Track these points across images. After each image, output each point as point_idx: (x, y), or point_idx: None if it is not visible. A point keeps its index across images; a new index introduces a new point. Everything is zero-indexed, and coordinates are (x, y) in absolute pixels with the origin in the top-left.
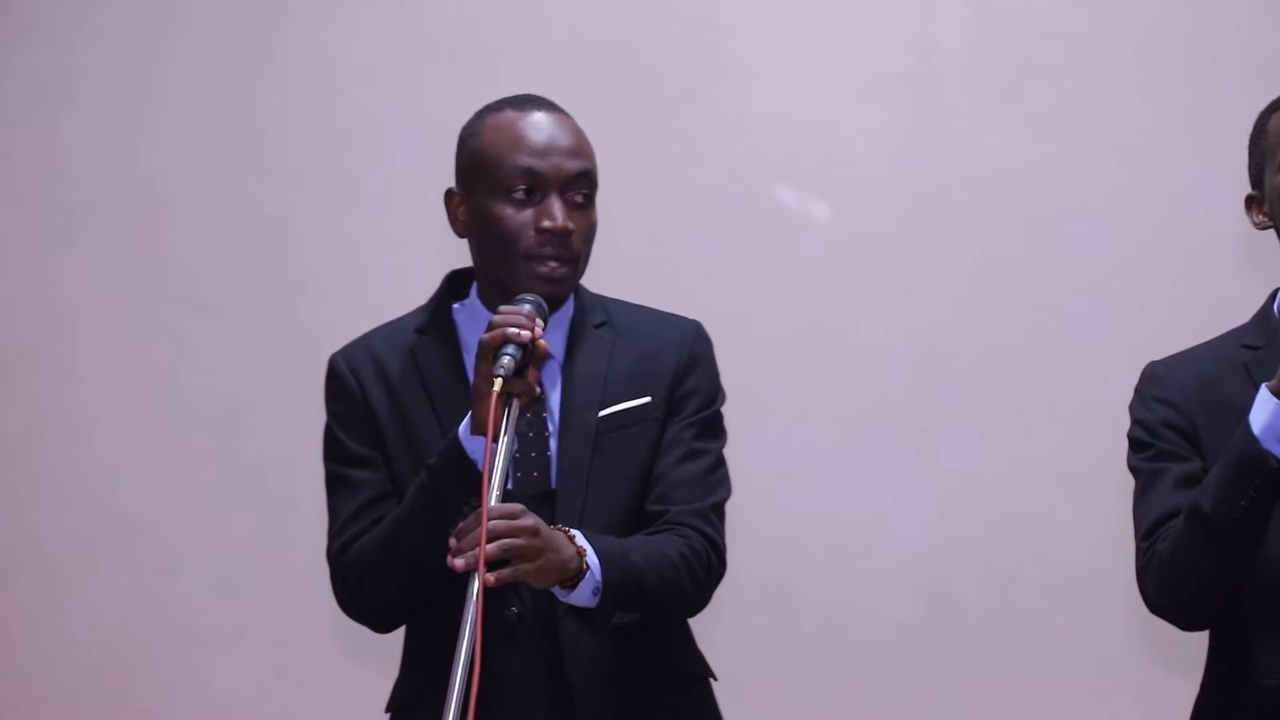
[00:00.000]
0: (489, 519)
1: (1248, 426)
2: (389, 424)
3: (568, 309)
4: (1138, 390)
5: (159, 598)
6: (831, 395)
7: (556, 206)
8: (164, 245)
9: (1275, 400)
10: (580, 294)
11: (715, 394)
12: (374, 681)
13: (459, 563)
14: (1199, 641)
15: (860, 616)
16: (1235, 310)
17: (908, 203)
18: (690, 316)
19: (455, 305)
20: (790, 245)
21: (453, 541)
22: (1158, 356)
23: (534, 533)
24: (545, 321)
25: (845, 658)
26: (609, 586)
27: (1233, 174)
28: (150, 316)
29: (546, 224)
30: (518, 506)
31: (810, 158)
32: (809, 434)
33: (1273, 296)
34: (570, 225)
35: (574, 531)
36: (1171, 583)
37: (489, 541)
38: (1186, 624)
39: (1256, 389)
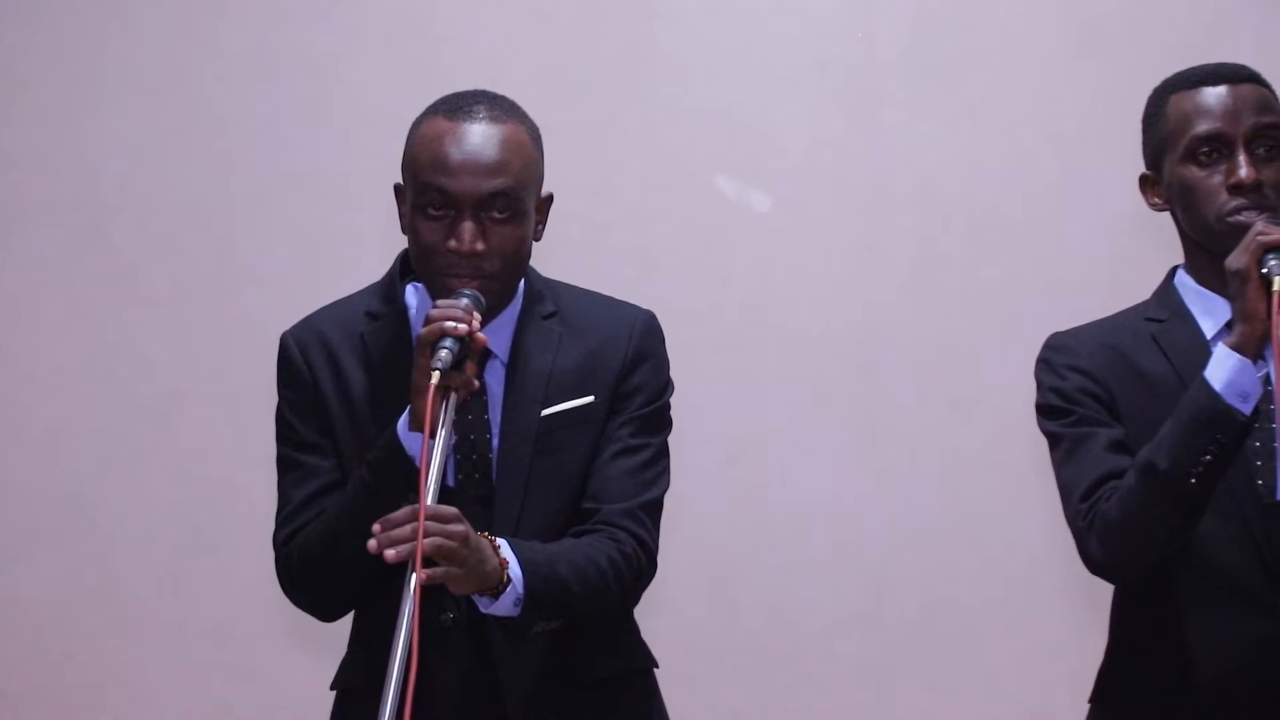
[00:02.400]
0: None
1: (1205, 383)
2: (339, 414)
3: (515, 301)
4: (1044, 360)
5: (96, 588)
6: (772, 386)
7: (466, 229)
8: (103, 234)
9: (1236, 356)
10: (530, 281)
11: (661, 389)
12: (314, 671)
13: (390, 554)
14: None
15: (803, 606)
16: None
17: (847, 193)
18: None
19: (409, 286)
20: (730, 235)
21: (376, 527)
22: None
23: (464, 539)
24: (483, 314)
25: (788, 647)
26: (531, 598)
27: None
28: (89, 305)
29: (453, 245)
30: (452, 511)
31: (749, 148)
32: (750, 425)
33: (1171, 273)
34: (478, 248)
35: (500, 541)
36: (1120, 541)
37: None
38: (1130, 583)
39: (1167, 358)
